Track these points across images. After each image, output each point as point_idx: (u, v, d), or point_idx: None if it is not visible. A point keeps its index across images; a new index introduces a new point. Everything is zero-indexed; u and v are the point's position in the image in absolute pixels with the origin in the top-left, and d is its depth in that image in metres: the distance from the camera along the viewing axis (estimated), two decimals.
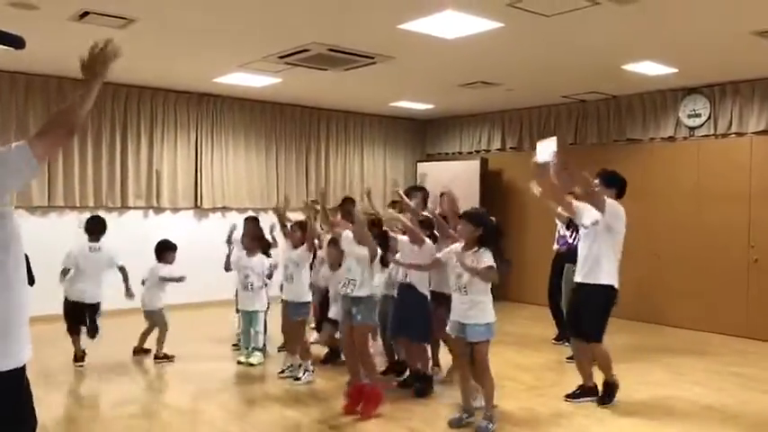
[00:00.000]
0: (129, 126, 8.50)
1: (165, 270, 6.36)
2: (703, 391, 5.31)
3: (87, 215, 8.17)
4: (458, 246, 4.33)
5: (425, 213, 5.39)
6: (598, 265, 4.72)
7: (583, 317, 4.85)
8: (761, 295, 7.34)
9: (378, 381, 4.75)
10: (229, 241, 6.64)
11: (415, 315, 4.97)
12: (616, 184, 4.92)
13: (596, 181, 4.84)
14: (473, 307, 4.16)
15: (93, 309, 5.94)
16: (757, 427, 4.46)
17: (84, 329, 5.90)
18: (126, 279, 6.13)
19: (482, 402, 4.61)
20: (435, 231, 5.18)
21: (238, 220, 8.62)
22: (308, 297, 5.55)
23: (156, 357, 6.16)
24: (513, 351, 6.57)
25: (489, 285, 4.21)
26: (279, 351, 6.18)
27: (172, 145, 8.86)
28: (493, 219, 4.50)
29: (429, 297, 5.04)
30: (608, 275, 4.73)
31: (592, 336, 4.83)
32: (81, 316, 5.87)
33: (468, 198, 9.44)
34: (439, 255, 4.60)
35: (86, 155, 8.18)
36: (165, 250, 6.47)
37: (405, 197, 5.44)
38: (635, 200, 8.31)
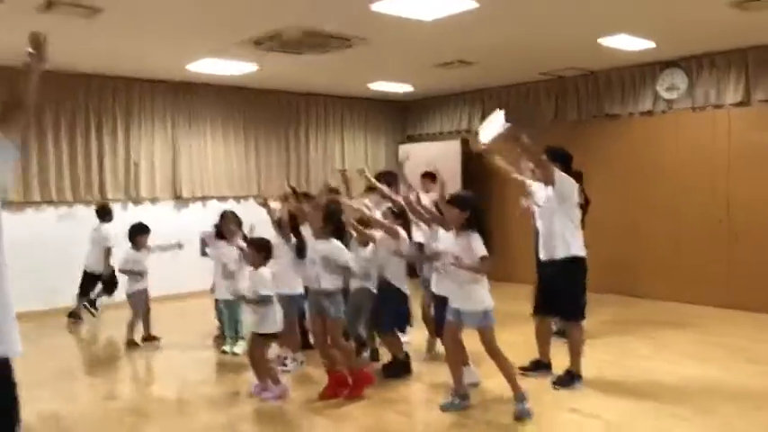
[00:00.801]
0: (105, 118, 8.37)
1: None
2: (686, 362, 5.37)
3: (65, 209, 8.16)
4: (443, 232, 4.30)
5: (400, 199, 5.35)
6: (563, 239, 4.70)
7: (560, 295, 4.81)
8: (741, 266, 7.41)
9: (361, 364, 4.74)
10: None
11: (391, 307, 5.03)
12: (561, 160, 4.83)
13: (543, 157, 4.77)
14: (466, 292, 4.14)
15: None
16: (742, 395, 4.51)
17: None
18: None
19: (472, 379, 4.65)
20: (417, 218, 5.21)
21: (219, 209, 8.59)
22: (299, 289, 5.42)
23: (144, 339, 6.32)
24: (496, 329, 6.56)
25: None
26: None
27: (149, 136, 8.75)
28: (477, 195, 4.53)
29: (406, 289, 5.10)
30: (576, 247, 4.73)
31: (574, 314, 4.84)
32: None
33: (450, 179, 9.41)
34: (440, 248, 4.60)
35: (61, 148, 8.05)
36: (137, 234, 6.47)
37: (376, 182, 5.44)
38: (614, 175, 8.40)
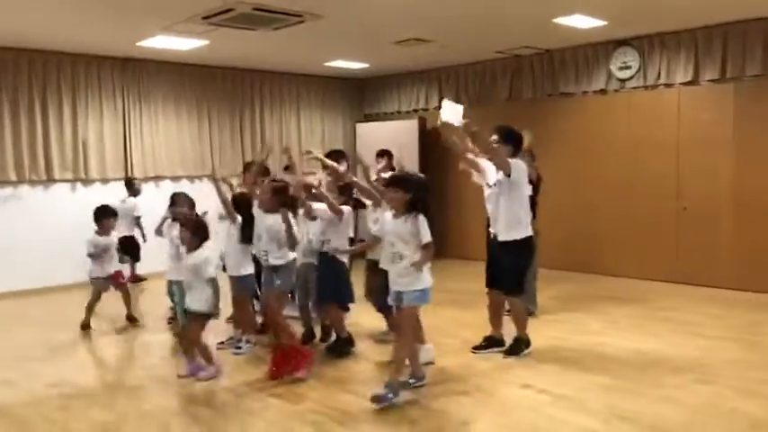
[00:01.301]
0: (49, 94, 8.08)
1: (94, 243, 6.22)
2: (636, 336, 5.50)
3: (9, 190, 7.88)
4: (388, 214, 4.22)
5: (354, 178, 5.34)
6: (509, 222, 4.81)
7: (505, 272, 4.94)
8: (689, 242, 7.61)
9: (295, 343, 4.72)
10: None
11: (331, 281, 5.03)
12: (512, 141, 4.89)
13: (495, 137, 4.85)
14: (408, 274, 4.04)
15: None
16: (688, 368, 4.64)
17: None
18: None
19: (427, 357, 4.68)
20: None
21: (172, 189, 8.41)
22: (249, 270, 5.34)
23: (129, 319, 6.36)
24: (452, 307, 6.64)
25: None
26: (227, 322, 6.02)
27: (97, 113, 8.49)
28: (421, 176, 4.50)
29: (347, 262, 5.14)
30: (525, 228, 4.86)
31: (513, 290, 4.99)
32: None
33: (408, 158, 9.41)
34: (374, 230, 4.53)
35: (3, 126, 7.75)
36: (103, 217, 6.22)
37: (325, 159, 5.41)
38: (568, 153, 8.49)
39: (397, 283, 4.11)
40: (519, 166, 4.78)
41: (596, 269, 8.28)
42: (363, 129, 10.77)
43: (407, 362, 4.30)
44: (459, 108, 4.71)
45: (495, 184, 4.86)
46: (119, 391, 4.54)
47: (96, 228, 6.25)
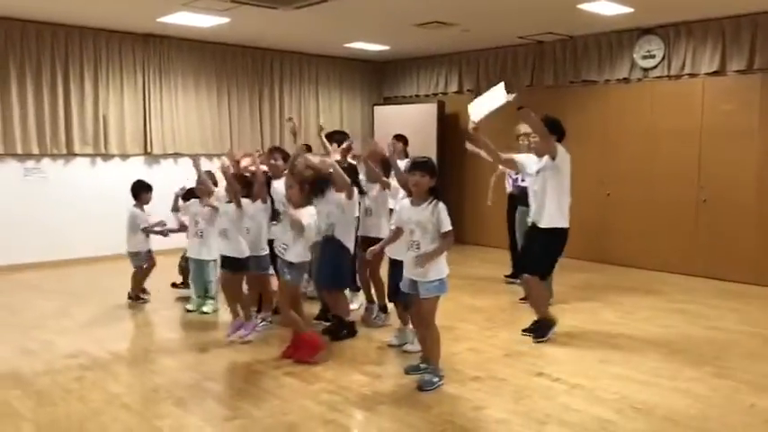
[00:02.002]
0: (72, 69, 8.10)
1: (143, 218, 6.33)
2: (651, 328, 5.46)
3: (31, 163, 7.95)
4: (406, 200, 4.18)
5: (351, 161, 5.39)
6: (551, 208, 4.90)
7: (536, 255, 5.04)
8: (708, 234, 7.53)
9: (306, 331, 4.66)
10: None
11: (335, 265, 5.01)
12: (556, 130, 4.93)
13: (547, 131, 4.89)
14: (427, 267, 3.98)
15: None
16: (704, 361, 4.60)
17: None
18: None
19: (417, 347, 4.63)
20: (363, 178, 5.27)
21: (191, 166, 8.43)
22: (266, 249, 5.32)
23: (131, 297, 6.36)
24: (467, 294, 6.64)
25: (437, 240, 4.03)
26: None
27: (118, 88, 8.51)
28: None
29: (352, 248, 5.08)
30: (561, 218, 4.94)
31: (537, 271, 5.05)
32: None
33: (426, 142, 9.41)
34: (392, 223, 4.42)
35: (26, 100, 7.79)
36: (140, 190, 6.34)
37: (327, 143, 5.43)
38: (589, 141, 8.40)
39: (412, 273, 4.04)
40: (564, 153, 4.87)
41: (612, 259, 8.22)
42: (381, 111, 10.73)
43: (420, 347, 4.30)
44: (499, 90, 4.64)
45: (538, 172, 4.95)
46: (134, 364, 4.59)
47: (135, 202, 6.33)
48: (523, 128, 5.68)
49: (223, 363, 4.59)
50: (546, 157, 4.89)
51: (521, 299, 6.24)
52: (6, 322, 5.53)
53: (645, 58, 7.97)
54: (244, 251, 5.10)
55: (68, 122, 8.13)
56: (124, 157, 8.69)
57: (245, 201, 5.11)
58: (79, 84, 8.18)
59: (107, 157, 8.54)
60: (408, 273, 4.08)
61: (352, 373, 4.33)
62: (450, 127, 10.07)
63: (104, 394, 3.98)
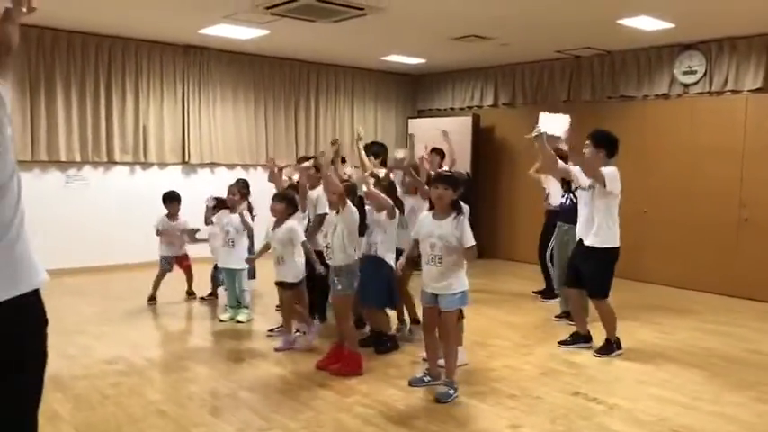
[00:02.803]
0: (114, 79, 8.28)
1: (164, 223, 6.66)
2: (690, 349, 5.34)
3: (73, 171, 8.13)
4: (427, 214, 4.20)
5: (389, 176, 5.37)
6: (600, 226, 4.89)
7: (588, 276, 5.01)
8: (749, 254, 7.35)
9: (354, 350, 4.62)
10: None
11: (377, 284, 4.90)
12: (606, 144, 4.91)
13: (587, 141, 4.93)
14: (447, 277, 4.04)
15: None
16: (746, 385, 4.48)
17: None
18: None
19: (460, 360, 4.63)
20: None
21: (227, 176, 8.59)
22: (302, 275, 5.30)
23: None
24: (501, 310, 6.59)
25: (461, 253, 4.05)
26: (276, 310, 6.11)
27: (158, 99, 8.67)
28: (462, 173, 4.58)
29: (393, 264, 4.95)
30: (612, 237, 4.92)
31: (598, 294, 5.03)
32: None
33: (461, 155, 9.34)
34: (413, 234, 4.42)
35: (71, 108, 7.99)
36: (167, 201, 6.70)
37: (364, 157, 5.47)
38: (626, 157, 8.18)
39: (432, 287, 4.08)
40: (613, 176, 4.81)
41: (649, 277, 8.07)
42: (416, 124, 10.73)
43: (442, 362, 4.28)
44: (563, 119, 4.74)
45: (588, 188, 4.94)
46: (169, 372, 4.64)
47: (167, 212, 6.70)
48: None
49: (258, 372, 4.62)
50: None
51: (556, 316, 6.18)
52: (50, 327, 5.63)
53: (686, 73, 7.85)
54: (299, 274, 5.14)
55: (110, 131, 8.30)
56: (162, 165, 8.83)
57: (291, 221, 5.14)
58: (121, 94, 8.36)
59: (146, 165, 8.70)
60: (429, 286, 4.12)
61: (387, 386, 4.31)
62: (484, 140, 10.04)
63: (141, 400, 4.03)
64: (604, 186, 4.78)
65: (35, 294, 2.05)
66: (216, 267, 6.54)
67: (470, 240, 3.97)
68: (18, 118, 7.59)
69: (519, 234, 8.96)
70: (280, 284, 5.20)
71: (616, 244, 4.93)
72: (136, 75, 8.45)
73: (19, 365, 2.01)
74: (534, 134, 4.69)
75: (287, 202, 5.11)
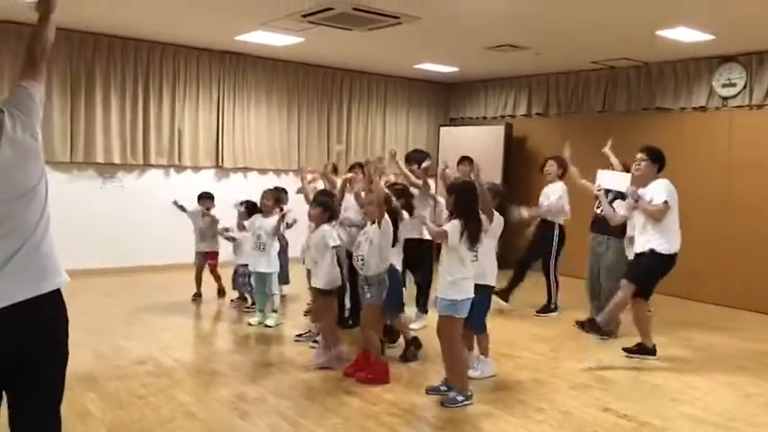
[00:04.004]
0: (152, 83, 8.44)
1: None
2: (722, 366, 5.22)
3: (109, 173, 8.29)
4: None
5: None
6: (652, 236, 5.04)
7: (639, 269, 5.13)
8: None
9: (379, 358, 4.62)
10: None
11: (394, 291, 4.83)
12: (660, 160, 5.19)
13: (642, 155, 5.17)
14: (443, 280, 4.11)
15: None
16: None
17: None
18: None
19: (479, 372, 4.62)
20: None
21: (259, 181, 8.68)
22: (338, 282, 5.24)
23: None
24: (529, 321, 6.55)
25: (462, 260, 4.07)
26: (305, 315, 6.16)
27: (194, 103, 8.80)
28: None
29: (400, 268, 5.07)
30: (665, 244, 5.05)
31: (634, 277, 5.11)
32: None
33: (492, 164, 9.33)
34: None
35: (109, 111, 8.15)
36: (200, 199, 7.02)
37: (404, 168, 5.54)
38: (664, 170, 8.13)
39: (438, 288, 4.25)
40: (671, 191, 5.05)
41: (683, 293, 7.90)
42: (447, 132, 10.72)
43: (471, 372, 4.32)
44: (624, 176, 5.30)
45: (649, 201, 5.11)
46: (198, 374, 4.69)
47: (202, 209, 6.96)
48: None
49: (286, 378, 4.64)
50: (655, 197, 5.04)
51: (577, 322, 6.04)
52: (83, 326, 5.69)
53: (725, 86, 7.71)
54: (331, 282, 4.93)
55: (146, 134, 8.45)
56: (196, 169, 8.96)
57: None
58: (158, 97, 8.50)
59: (180, 168, 8.83)
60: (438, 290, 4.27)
61: (414, 395, 4.30)
62: (517, 150, 9.97)
63: (171, 402, 4.08)
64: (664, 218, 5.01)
65: (58, 294, 2.12)
66: (236, 271, 6.64)
67: (445, 227, 4.07)
68: (58, 119, 7.77)
69: None
70: (313, 290, 5.16)
71: (673, 250, 5.07)
72: (173, 79, 8.59)
73: (40, 363, 2.08)
74: (596, 193, 5.47)
75: (323, 206, 5.08)
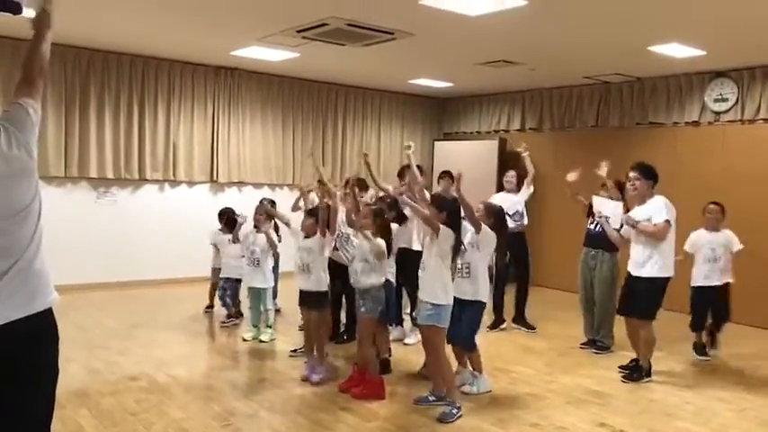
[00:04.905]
0: (147, 97, 8.44)
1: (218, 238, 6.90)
2: (717, 381, 5.22)
3: (103, 187, 8.27)
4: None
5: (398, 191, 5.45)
6: (650, 259, 5.03)
7: (638, 297, 5.13)
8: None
9: (374, 374, 4.59)
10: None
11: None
12: (652, 176, 5.19)
13: (635, 173, 5.15)
14: (425, 285, 4.19)
15: None
16: None
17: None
18: None
19: (476, 389, 4.61)
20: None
21: (254, 195, 8.67)
22: (326, 287, 5.31)
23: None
24: (525, 336, 6.53)
25: (445, 262, 4.16)
26: (299, 330, 6.12)
27: (189, 118, 8.81)
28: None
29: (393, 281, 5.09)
30: (658, 269, 5.03)
31: (645, 314, 5.14)
32: None
33: (486, 179, 9.36)
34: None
35: (104, 126, 8.15)
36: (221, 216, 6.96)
37: (416, 168, 5.48)
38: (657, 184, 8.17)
39: (420, 292, 4.31)
40: (670, 208, 5.08)
41: (674, 307, 7.90)
42: (442, 147, 10.76)
43: (445, 378, 4.30)
44: (618, 206, 5.57)
45: (646, 220, 5.13)
46: (192, 390, 4.65)
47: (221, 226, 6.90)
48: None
49: (280, 393, 4.61)
50: (653, 214, 5.04)
51: (582, 344, 6.10)
52: (76, 340, 5.70)
53: (717, 101, 7.78)
54: (324, 284, 5.02)
55: (141, 149, 8.45)
56: (191, 184, 8.95)
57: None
58: (153, 112, 8.51)
59: (174, 183, 8.82)
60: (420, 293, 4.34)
61: (409, 411, 4.28)
62: (511, 165, 9.98)
63: (164, 418, 4.04)
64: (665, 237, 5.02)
65: (50, 312, 2.11)
66: (220, 287, 6.65)
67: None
68: (53, 134, 7.76)
69: (545, 259, 8.87)
70: (303, 301, 5.06)
71: (660, 274, 5.04)
72: (168, 94, 8.60)
73: (33, 381, 2.07)
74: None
75: (316, 218, 5.06)
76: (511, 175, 7.14)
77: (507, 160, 9.96)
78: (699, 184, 7.89)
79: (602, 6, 5.26)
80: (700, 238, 5.98)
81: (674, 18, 5.62)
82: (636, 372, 5.18)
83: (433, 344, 4.23)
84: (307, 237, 5.04)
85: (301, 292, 5.04)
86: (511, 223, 6.55)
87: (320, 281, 4.96)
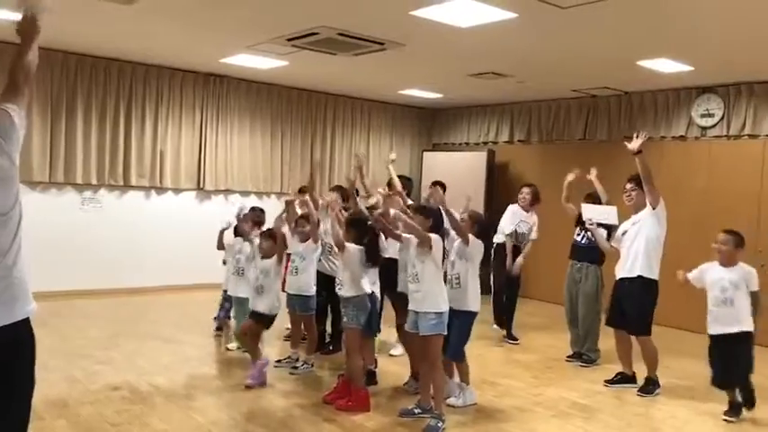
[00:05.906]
0: (134, 103, 8.38)
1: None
2: (700, 395, 5.22)
3: (89, 193, 8.19)
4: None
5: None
6: (645, 260, 5.11)
7: (631, 313, 5.19)
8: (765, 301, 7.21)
9: (360, 385, 4.55)
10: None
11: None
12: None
13: (631, 185, 5.29)
14: (425, 296, 4.17)
15: None
16: None
17: None
18: None
19: (461, 401, 4.59)
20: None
21: (241, 203, 8.56)
22: (313, 290, 5.38)
23: None
24: (511, 348, 6.51)
25: (440, 270, 4.23)
26: (285, 341, 6.09)
27: (176, 125, 8.75)
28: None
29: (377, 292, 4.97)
30: (653, 270, 5.16)
31: (641, 331, 5.18)
32: None
33: (475, 190, 9.35)
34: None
35: (90, 131, 8.07)
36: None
37: (396, 180, 5.57)
38: None
39: (414, 304, 4.25)
40: (664, 209, 5.18)
41: (664, 321, 7.92)
42: (431, 158, 10.76)
43: (432, 392, 4.29)
44: (608, 209, 5.64)
45: (634, 223, 5.23)
46: (174, 400, 4.58)
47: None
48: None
49: (263, 404, 4.56)
50: (644, 210, 5.15)
51: (567, 356, 6.09)
52: (57, 348, 5.61)
53: (703, 116, 7.84)
54: (275, 308, 5.06)
55: (127, 155, 8.37)
56: (177, 191, 8.88)
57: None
58: (140, 118, 8.44)
59: (161, 190, 8.74)
60: (411, 305, 4.29)
61: (394, 424, 4.24)
62: (499, 176, 10.02)
63: (145, 429, 3.98)
64: (654, 208, 5.11)
65: (28, 322, 2.08)
66: (224, 297, 6.51)
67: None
68: (38, 139, 7.68)
69: (532, 272, 8.87)
70: (256, 319, 5.05)
71: (655, 276, 5.17)
72: (156, 101, 8.55)
73: (11, 391, 2.02)
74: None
75: (274, 239, 5.10)
76: (526, 192, 6.95)
77: (495, 172, 10.01)
78: (685, 197, 7.94)
79: (592, 21, 5.29)
80: (710, 272, 4.98)
81: (663, 34, 5.66)
82: (650, 385, 5.23)
83: (436, 352, 4.22)
84: (264, 257, 5.05)
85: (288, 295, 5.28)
86: (515, 241, 6.84)
87: (272, 304, 5.03)
